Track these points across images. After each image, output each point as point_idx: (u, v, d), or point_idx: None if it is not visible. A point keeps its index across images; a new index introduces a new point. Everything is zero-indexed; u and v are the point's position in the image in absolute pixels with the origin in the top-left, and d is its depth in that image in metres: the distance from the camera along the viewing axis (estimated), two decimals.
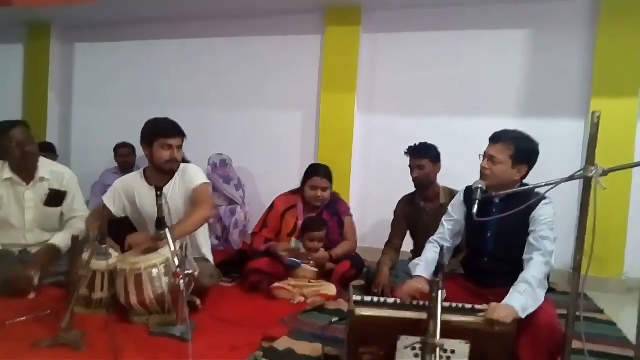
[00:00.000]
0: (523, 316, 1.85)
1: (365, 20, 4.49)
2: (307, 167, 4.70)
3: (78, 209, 3.12)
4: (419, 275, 2.19)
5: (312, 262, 3.19)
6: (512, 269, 2.07)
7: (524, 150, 2.17)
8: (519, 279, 1.99)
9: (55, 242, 2.92)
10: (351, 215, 3.54)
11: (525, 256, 2.09)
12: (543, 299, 1.97)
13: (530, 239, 2.09)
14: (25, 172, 2.97)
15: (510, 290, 1.95)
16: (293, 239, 3.25)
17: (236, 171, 4.75)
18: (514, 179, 2.19)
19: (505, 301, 1.89)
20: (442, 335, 1.60)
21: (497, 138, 2.21)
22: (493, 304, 1.87)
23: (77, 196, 3.14)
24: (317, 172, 3.40)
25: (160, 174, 2.88)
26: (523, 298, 1.89)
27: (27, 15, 5.34)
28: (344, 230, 3.45)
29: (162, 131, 2.82)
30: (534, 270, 2.00)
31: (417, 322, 1.76)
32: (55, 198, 3.02)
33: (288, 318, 2.71)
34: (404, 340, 1.80)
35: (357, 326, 1.87)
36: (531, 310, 1.89)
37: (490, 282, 2.22)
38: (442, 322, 1.62)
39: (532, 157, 2.20)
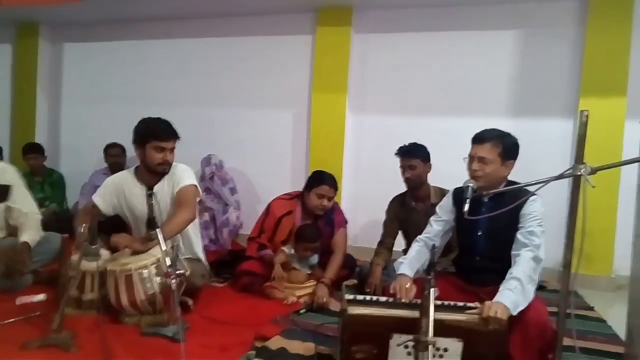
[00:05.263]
0: (515, 313, 1.87)
1: (356, 21, 4.50)
2: (298, 167, 4.76)
3: (28, 205, 2.96)
4: (403, 274, 2.19)
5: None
6: (504, 266, 2.08)
7: (510, 146, 2.20)
8: (508, 276, 2.00)
9: (28, 239, 2.78)
10: (345, 227, 3.41)
11: (513, 252, 2.11)
12: (533, 294, 1.99)
13: (518, 235, 2.11)
14: None
15: (500, 288, 1.96)
16: (287, 247, 3.20)
17: (228, 171, 4.75)
18: (503, 176, 2.22)
19: (496, 299, 1.90)
20: (435, 334, 1.60)
21: (482, 139, 2.22)
22: (487, 302, 1.87)
23: (22, 191, 2.98)
24: (326, 180, 3.26)
25: (151, 174, 2.86)
26: (513, 295, 1.91)
27: (15, 15, 5.30)
28: (332, 240, 3.32)
29: (156, 133, 2.78)
30: (522, 266, 2.01)
31: (409, 321, 1.77)
32: (0, 193, 2.87)
33: (280, 317, 2.71)
34: (397, 339, 1.81)
35: (350, 325, 1.87)
36: (522, 307, 1.91)
37: (482, 280, 2.23)
38: (435, 320, 1.62)
39: (517, 152, 2.24)
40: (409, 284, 2.09)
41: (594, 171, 1.65)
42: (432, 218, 2.44)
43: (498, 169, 2.18)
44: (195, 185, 2.91)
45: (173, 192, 2.85)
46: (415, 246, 2.37)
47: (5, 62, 5.78)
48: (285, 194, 3.48)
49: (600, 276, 3.78)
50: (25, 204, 2.94)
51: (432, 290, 1.66)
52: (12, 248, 2.73)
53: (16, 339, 2.17)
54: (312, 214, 3.30)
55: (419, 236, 2.42)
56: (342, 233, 3.36)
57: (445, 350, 1.82)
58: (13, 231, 2.92)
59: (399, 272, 2.22)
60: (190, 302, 2.71)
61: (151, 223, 2.46)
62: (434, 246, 1.93)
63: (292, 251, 3.18)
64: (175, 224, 2.69)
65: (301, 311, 2.86)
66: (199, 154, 4.70)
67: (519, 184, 2.12)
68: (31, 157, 4.77)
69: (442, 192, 3.09)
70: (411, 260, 2.27)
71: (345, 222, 3.42)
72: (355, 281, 3.42)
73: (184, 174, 2.88)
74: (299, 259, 3.18)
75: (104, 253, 2.62)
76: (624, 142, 3.75)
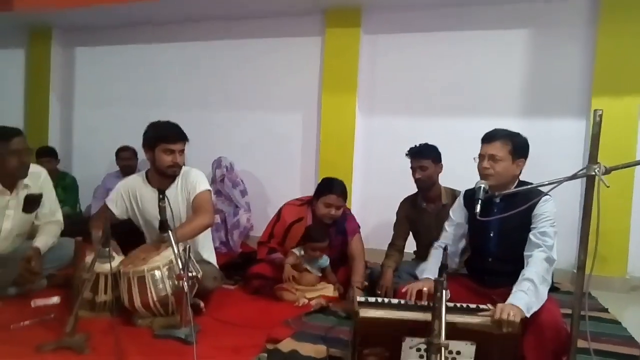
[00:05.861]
0: (528, 315, 1.85)
1: (365, 22, 4.50)
2: (308, 169, 4.76)
3: (54, 212, 3.01)
4: (427, 278, 2.18)
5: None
6: (516, 268, 2.07)
7: (520, 144, 2.21)
8: (521, 278, 1.99)
9: (40, 245, 2.80)
10: (359, 232, 3.35)
11: (525, 253, 2.10)
12: (546, 296, 1.98)
13: (531, 236, 2.10)
14: (11, 180, 2.78)
15: (513, 290, 1.95)
16: (297, 249, 3.19)
17: (238, 174, 4.76)
18: (514, 174, 2.22)
19: (509, 301, 1.89)
20: (448, 337, 1.59)
21: (492, 137, 2.23)
22: (500, 305, 1.86)
23: (52, 197, 3.02)
24: (333, 189, 3.19)
25: (162, 177, 2.87)
26: (527, 297, 1.89)
27: (28, 20, 5.38)
28: (348, 248, 3.26)
29: (164, 136, 2.80)
30: (535, 267, 2.00)
31: (422, 324, 1.76)
32: (32, 203, 2.87)
33: (292, 320, 2.71)
34: (409, 342, 1.80)
35: (362, 328, 1.87)
36: (535, 308, 1.89)
37: (494, 282, 2.22)
38: (447, 323, 1.61)
39: (527, 150, 2.25)
40: (421, 285, 2.08)
41: (608, 171, 1.64)
42: (446, 223, 2.45)
43: (509, 167, 2.18)
44: (210, 191, 2.93)
45: (187, 197, 2.87)
46: (433, 252, 2.38)
47: (19, 66, 5.85)
48: (296, 199, 3.46)
49: (614, 277, 3.73)
50: (51, 212, 3.00)
51: (444, 292, 1.65)
52: (23, 256, 2.75)
53: (31, 341, 2.19)
54: (322, 222, 3.24)
55: (436, 242, 2.44)
56: (357, 239, 3.31)
57: (458, 353, 1.81)
58: (33, 235, 2.94)
59: (423, 277, 2.22)
60: (201, 304, 2.72)
61: (163, 226, 2.46)
62: (446, 247, 1.92)
63: (302, 252, 3.18)
64: (192, 228, 2.70)
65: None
66: (209, 157, 4.73)
67: (530, 184, 2.11)
68: (45, 160, 4.80)
69: (453, 193, 3.07)
70: (432, 266, 2.27)
71: (358, 227, 3.38)
72: (366, 283, 3.41)
73: (198, 180, 2.90)
74: (309, 261, 3.18)
75: (117, 255, 2.64)
76: (638, 141, 3.71)
